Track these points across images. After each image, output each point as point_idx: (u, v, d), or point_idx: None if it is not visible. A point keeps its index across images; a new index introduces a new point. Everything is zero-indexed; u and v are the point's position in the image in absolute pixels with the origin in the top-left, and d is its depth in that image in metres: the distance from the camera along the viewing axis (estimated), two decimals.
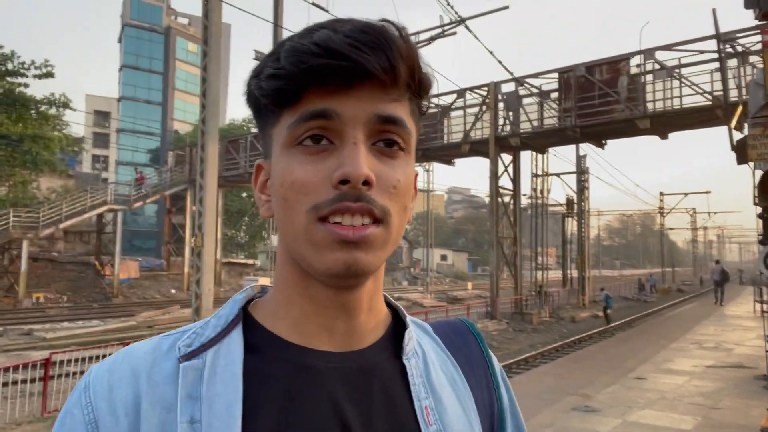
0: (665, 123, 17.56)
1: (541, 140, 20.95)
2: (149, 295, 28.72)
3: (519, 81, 19.61)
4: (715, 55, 15.52)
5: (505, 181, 21.28)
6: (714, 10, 4.48)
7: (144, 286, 29.82)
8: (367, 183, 0.56)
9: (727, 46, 15.24)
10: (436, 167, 46.24)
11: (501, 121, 20.29)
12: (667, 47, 16.95)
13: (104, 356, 9.47)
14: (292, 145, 0.59)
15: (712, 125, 17.07)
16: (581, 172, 27.94)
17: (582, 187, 28.04)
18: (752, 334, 15.22)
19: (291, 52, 0.57)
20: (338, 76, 0.56)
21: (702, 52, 16.02)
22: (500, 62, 15.73)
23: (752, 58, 15.28)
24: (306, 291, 0.62)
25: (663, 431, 6.51)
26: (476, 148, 20.91)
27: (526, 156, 23.01)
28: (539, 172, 24.35)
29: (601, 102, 17.77)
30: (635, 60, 17.53)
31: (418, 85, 0.61)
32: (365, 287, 0.63)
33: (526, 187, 25.24)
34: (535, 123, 19.81)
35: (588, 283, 27.25)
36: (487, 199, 32.89)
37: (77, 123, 42.14)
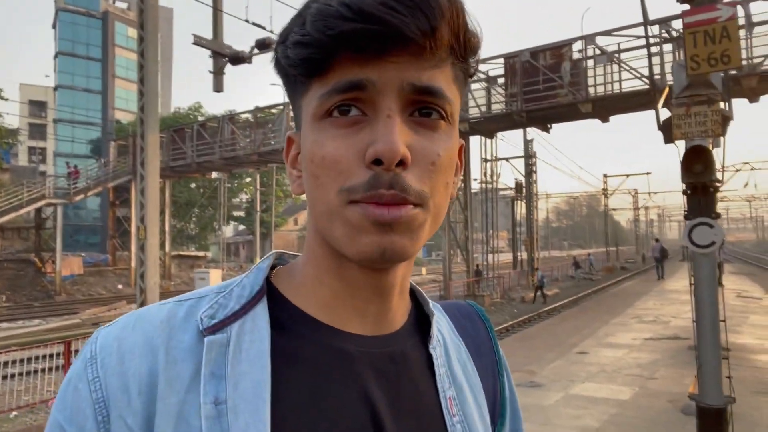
0: (606, 107, 18.15)
1: (489, 125, 21.29)
2: (95, 292, 27.72)
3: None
4: (653, 40, 16.11)
5: None
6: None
7: (89, 282, 28.74)
8: (402, 163, 0.51)
9: (663, 31, 15.84)
10: None
11: None
12: (607, 33, 17.48)
13: (45, 357, 9.11)
14: (323, 117, 0.54)
15: (650, 108, 17.77)
16: (529, 156, 28.60)
17: (530, 171, 28.73)
18: (688, 307, 15.97)
19: (318, 16, 0.51)
20: (372, 42, 0.50)
21: (639, 37, 16.61)
22: None
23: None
24: (338, 272, 0.58)
25: (602, 402, 6.81)
26: None
27: (475, 141, 23.39)
28: (488, 157, 24.78)
29: (546, 87, 18.19)
30: (577, 45, 18.01)
31: (463, 47, 0.55)
32: (399, 270, 0.59)
33: (476, 172, 25.66)
34: (483, 108, 20.12)
35: (537, 264, 28.06)
36: None
37: (11, 114, 39.95)
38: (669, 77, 15.89)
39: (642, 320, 13.81)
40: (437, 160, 0.53)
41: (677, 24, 15.33)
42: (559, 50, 18.35)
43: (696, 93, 3.80)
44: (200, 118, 37.56)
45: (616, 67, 17.35)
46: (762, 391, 7.10)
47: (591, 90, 17.74)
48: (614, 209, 58.40)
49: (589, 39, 17.76)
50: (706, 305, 4.17)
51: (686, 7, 3.79)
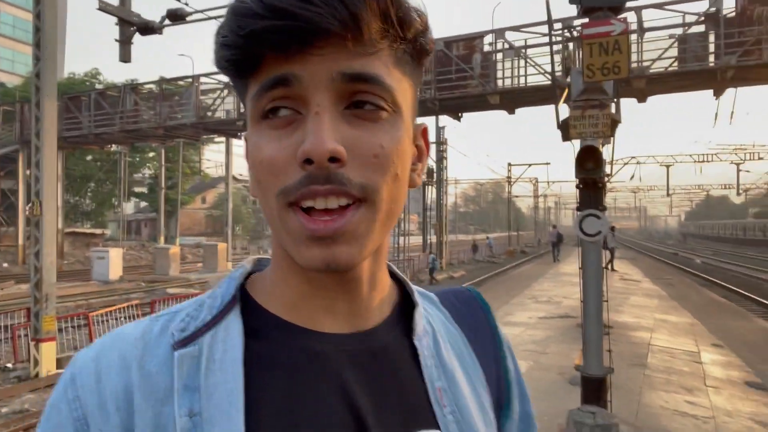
0: (513, 99, 19.13)
1: None
2: None
3: None
4: (557, 39, 17.14)
5: None
6: (547, 1, 5.04)
7: None
8: (336, 159, 0.48)
9: (566, 31, 16.89)
10: None
11: None
12: (515, 28, 18.36)
13: None
14: (260, 120, 0.52)
15: (551, 103, 18.92)
16: (440, 143, 29.47)
17: (441, 157, 29.64)
18: (578, 288, 17.45)
19: (233, 16, 0.49)
20: (290, 39, 0.47)
21: (544, 35, 17.59)
22: None
23: None
24: (301, 272, 0.56)
25: None
26: None
27: None
28: None
29: (458, 77, 18.83)
30: (488, 38, 18.77)
31: (398, 27, 0.51)
32: (364, 265, 0.56)
33: None
34: None
35: (446, 247, 29.15)
36: None
37: None
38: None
39: (537, 300, 14.89)
40: (380, 152, 0.50)
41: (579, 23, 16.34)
42: (471, 42, 19.03)
43: (590, 97, 4.22)
44: (98, 86, 35.05)
45: (523, 62, 18.32)
46: (636, 364, 8.01)
47: (499, 82, 18.61)
48: (517, 196, 61.69)
49: (499, 33, 18.56)
50: (592, 287, 4.69)
51: (586, 19, 4.19)
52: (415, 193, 41.03)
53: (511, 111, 19.98)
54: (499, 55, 18.60)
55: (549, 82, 17.41)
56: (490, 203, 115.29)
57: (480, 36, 18.93)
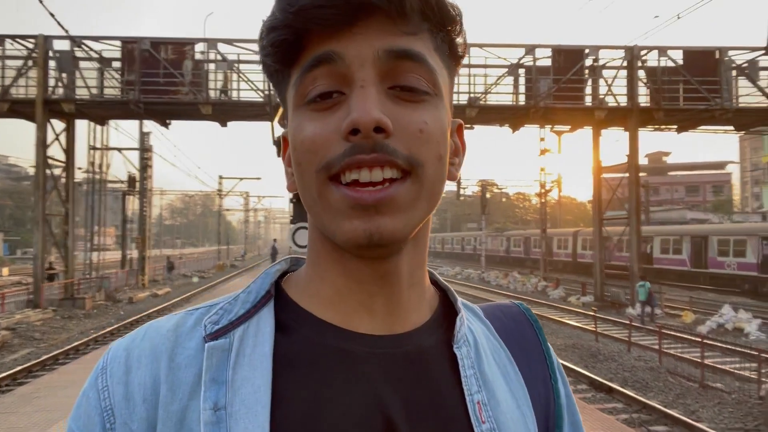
0: (226, 112, 19.01)
1: (101, 110, 19.45)
2: None
3: (76, 41, 17.64)
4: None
5: (57, 152, 18.84)
6: (263, 21, 5.23)
7: None
8: (382, 130, 0.47)
9: None
10: None
11: (52, 83, 17.82)
12: (229, 41, 18.35)
13: None
14: (302, 104, 0.51)
15: (263, 119, 19.46)
16: (145, 150, 27.29)
17: (145, 165, 27.42)
18: None
19: None
20: (337, 15, 0.48)
21: (257, 52, 17.99)
22: (52, 15, 13.80)
23: None
24: (339, 266, 0.54)
25: None
26: (19, 109, 17.76)
27: (83, 126, 20.96)
28: (98, 145, 22.54)
29: (167, 81, 17.82)
30: (200, 47, 18.29)
31: (437, 13, 0.52)
32: (403, 256, 0.54)
33: (82, 161, 22.96)
34: (95, 91, 18.26)
35: (148, 263, 26.96)
36: (31, 170, 28.35)
37: None
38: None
39: None
40: (425, 128, 0.50)
41: None
42: (181, 47, 18.26)
43: None
44: None
45: (236, 76, 18.39)
46: None
47: (212, 93, 18.28)
48: (228, 210, 61.12)
49: (211, 43, 18.28)
50: None
51: None
52: (113, 203, 36.93)
53: (224, 123, 19.81)
54: (213, 66, 18.29)
55: (261, 99, 17.90)
56: (200, 216, 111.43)
57: (191, 42, 18.32)
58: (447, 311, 0.61)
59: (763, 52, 19.25)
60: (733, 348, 10.72)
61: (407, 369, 0.54)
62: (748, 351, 9.93)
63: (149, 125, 25.37)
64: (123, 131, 26.84)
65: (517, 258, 41.77)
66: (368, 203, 0.48)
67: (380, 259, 0.53)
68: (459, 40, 0.55)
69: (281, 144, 0.59)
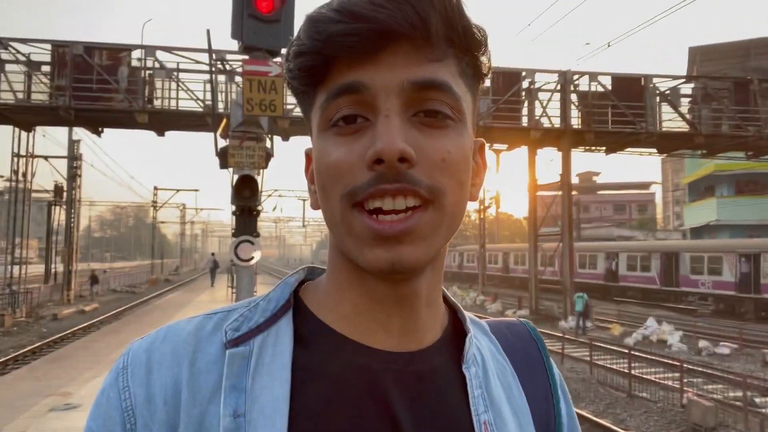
0: (163, 121, 18.43)
1: (27, 116, 18.41)
2: None
3: (2, 42, 16.69)
4: (206, 68, 17.39)
5: None
6: (208, 31, 5.18)
7: None
8: (405, 160, 0.48)
9: (218, 62, 17.33)
10: None
11: None
12: (168, 49, 17.87)
13: None
14: (327, 127, 0.52)
15: (204, 130, 18.98)
16: (74, 158, 26.00)
17: (74, 174, 26.12)
18: None
19: (310, 23, 0.51)
20: (363, 42, 0.48)
21: (198, 62, 17.65)
22: None
23: (237, 78, 17.82)
24: (359, 284, 0.55)
25: None
26: None
27: (6, 132, 19.76)
28: (23, 153, 21.27)
29: (100, 87, 17.10)
30: (138, 53, 17.70)
31: (463, 37, 0.52)
32: (423, 278, 0.55)
33: (5, 168, 21.55)
34: (21, 95, 17.27)
35: (74, 277, 25.55)
36: None
37: None
38: (220, 105, 17.47)
39: None
40: (447, 157, 0.51)
41: (233, 60, 16.97)
42: (117, 53, 17.61)
43: (249, 130, 4.48)
44: None
45: (174, 85, 17.89)
46: None
47: (152, 102, 17.70)
48: (163, 222, 58.99)
49: (149, 50, 17.74)
50: None
51: (246, 56, 4.45)
52: (36, 215, 34.87)
53: (161, 133, 19.21)
54: (150, 73, 17.74)
55: (201, 109, 17.49)
56: (132, 228, 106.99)
57: (128, 49, 17.71)
58: (457, 330, 0.62)
59: (683, 80, 20.76)
60: (657, 359, 11.34)
61: (420, 387, 0.55)
62: (671, 361, 10.51)
63: (80, 133, 24.24)
64: (50, 138, 25.38)
65: (454, 273, 42.59)
66: (390, 234, 0.49)
67: (401, 282, 0.54)
68: (483, 59, 0.56)
69: (305, 158, 0.62)
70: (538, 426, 0.61)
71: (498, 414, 0.57)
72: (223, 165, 4.67)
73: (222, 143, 4.91)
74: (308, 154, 0.59)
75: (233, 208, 4.83)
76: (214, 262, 35.66)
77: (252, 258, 4.56)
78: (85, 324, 17.13)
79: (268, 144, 4.81)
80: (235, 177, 4.68)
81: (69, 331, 15.66)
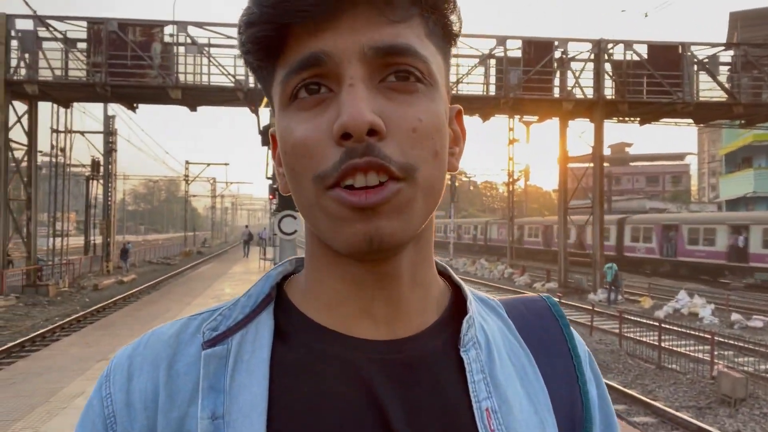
0: (195, 96, 18.73)
1: (65, 93, 18.91)
2: None
3: (41, 20, 17.09)
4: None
5: (19, 134, 18.28)
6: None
7: None
8: (375, 132, 0.45)
9: None
10: None
11: (14, 63, 17.25)
12: (199, 24, 18.05)
13: None
14: (289, 103, 0.49)
15: (235, 105, 19.25)
16: (109, 134, 26.65)
17: (110, 149, 26.80)
18: None
19: None
20: (318, 7, 0.45)
21: (230, 37, 17.78)
22: None
23: None
24: (338, 269, 0.53)
25: None
26: None
27: (46, 108, 20.36)
28: (62, 128, 21.93)
29: (134, 64, 17.44)
30: (169, 29, 17.93)
31: None
32: (403, 257, 0.52)
33: (44, 144, 22.30)
34: (59, 72, 17.74)
35: (113, 249, 26.46)
36: None
37: None
38: (251, 79, 17.62)
39: (220, 299, 14.94)
40: (418, 125, 0.47)
41: None
42: (149, 29, 17.86)
43: None
44: None
45: (206, 60, 18.10)
46: None
47: (182, 77, 17.98)
48: (194, 195, 60.16)
49: (181, 26, 17.94)
50: None
51: None
52: (74, 188, 35.98)
53: (193, 108, 19.54)
54: (182, 49, 17.97)
55: (232, 84, 17.70)
56: (164, 202, 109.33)
57: (160, 25, 17.94)
58: (459, 310, 0.57)
59: (723, 48, 20.05)
60: (687, 331, 11.32)
61: (411, 375, 0.51)
62: (702, 334, 10.49)
63: (114, 108, 24.79)
64: (89, 114, 25.98)
65: (486, 246, 42.59)
66: (365, 205, 0.46)
67: (378, 261, 0.51)
68: (453, 17, 0.52)
69: (270, 140, 0.56)
70: (559, 410, 0.55)
71: (504, 400, 0.52)
72: (265, 142, 4.84)
73: (264, 120, 5.07)
74: (273, 135, 0.54)
75: (271, 183, 4.99)
76: (249, 234, 36.39)
77: (295, 231, 4.76)
78: (125, 294, 17.83)
79: None
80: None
81: (110, 301, 16.36)
